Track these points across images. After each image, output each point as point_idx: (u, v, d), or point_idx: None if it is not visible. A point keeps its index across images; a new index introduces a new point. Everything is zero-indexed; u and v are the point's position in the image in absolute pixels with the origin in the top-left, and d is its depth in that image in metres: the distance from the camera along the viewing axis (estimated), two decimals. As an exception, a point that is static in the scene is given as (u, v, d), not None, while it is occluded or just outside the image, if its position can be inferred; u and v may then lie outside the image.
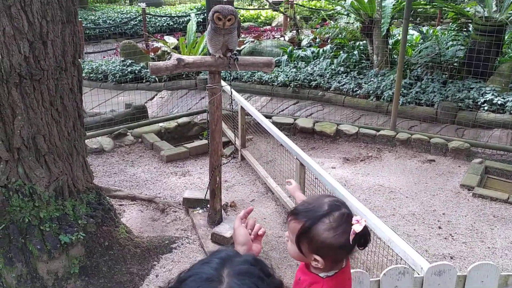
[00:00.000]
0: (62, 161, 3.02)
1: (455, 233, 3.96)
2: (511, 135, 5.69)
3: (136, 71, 8.39)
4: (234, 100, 5.10)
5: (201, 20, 10.88)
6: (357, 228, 1.37)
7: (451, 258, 3.61)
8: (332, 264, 1.46)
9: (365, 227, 1.40)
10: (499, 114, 5.94)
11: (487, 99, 6.12)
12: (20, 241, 2.87)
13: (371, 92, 6.85)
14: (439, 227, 4.04)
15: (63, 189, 3.04)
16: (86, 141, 5.53)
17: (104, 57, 9.93)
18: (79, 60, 3.07)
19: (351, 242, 1.38)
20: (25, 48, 2.65)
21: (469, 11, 7.67)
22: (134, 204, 4.42)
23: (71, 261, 3.02)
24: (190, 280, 0.88)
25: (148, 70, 3.55)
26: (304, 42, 9.25)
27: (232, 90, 3.87)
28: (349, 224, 1.39)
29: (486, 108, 6.08)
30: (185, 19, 14.20)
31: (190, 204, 4.24)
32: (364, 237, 1.41)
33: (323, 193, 3.64)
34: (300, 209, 1.48)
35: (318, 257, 1.42)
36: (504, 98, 6.06)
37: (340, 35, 8.54)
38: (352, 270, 1.96)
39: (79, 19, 11.66)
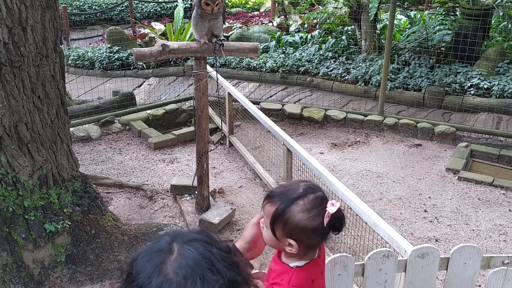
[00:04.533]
0: (46, 150, 2.98)
1: (441, 216, 4.01)
2: (496, 119, 5.74)
3: (124, 58, 8.29)
4: (221, 86, 5.07)
5: (189, 6, 10.75)
6: (331, 209, 1.36)
7: (436, 240, 3.66)
8: (306, 250, 1.43)
9: (340, 210, 1.38)
10: (485, 98, 5.99)
11: (474, 83, 6.15)
12: (4, 230, 2.84)
13: (359, 77, 6.85)
14: (425, 211, 4.09)
15: (47, 177, 3.01)
16: (73, 129, 5.49)
17: (90, 43, 9.78)
18: (60, 46, 3.01)
19: (325, 225, 1.37)
20: (4, 34, 2.59)
21: (456, -5, 7.66)
22: (121, 191, 4.40)
23: (57, 250, 3.01)
24: (141, 257, 0.92)
25: (133, 56, 3.50)
26: (292, 28, 9.19)
27: (218, 76, 3.83)
28: (324, 207, 1.38)
29: (472, 92, 6.12)
30: (173, 5, 14.01)
31: (178, 191, 4.23)
32: (338, 220, 1.38)
33: (309, 178, 3.65)
34: (275, 192, 1.45)
35: (292, 241, 1.39)
36: (490, 82, 6.10)
37: (328, 21, 8.49)
38: (337, 255, 1.96)
39: (64, 5, 11.35)
